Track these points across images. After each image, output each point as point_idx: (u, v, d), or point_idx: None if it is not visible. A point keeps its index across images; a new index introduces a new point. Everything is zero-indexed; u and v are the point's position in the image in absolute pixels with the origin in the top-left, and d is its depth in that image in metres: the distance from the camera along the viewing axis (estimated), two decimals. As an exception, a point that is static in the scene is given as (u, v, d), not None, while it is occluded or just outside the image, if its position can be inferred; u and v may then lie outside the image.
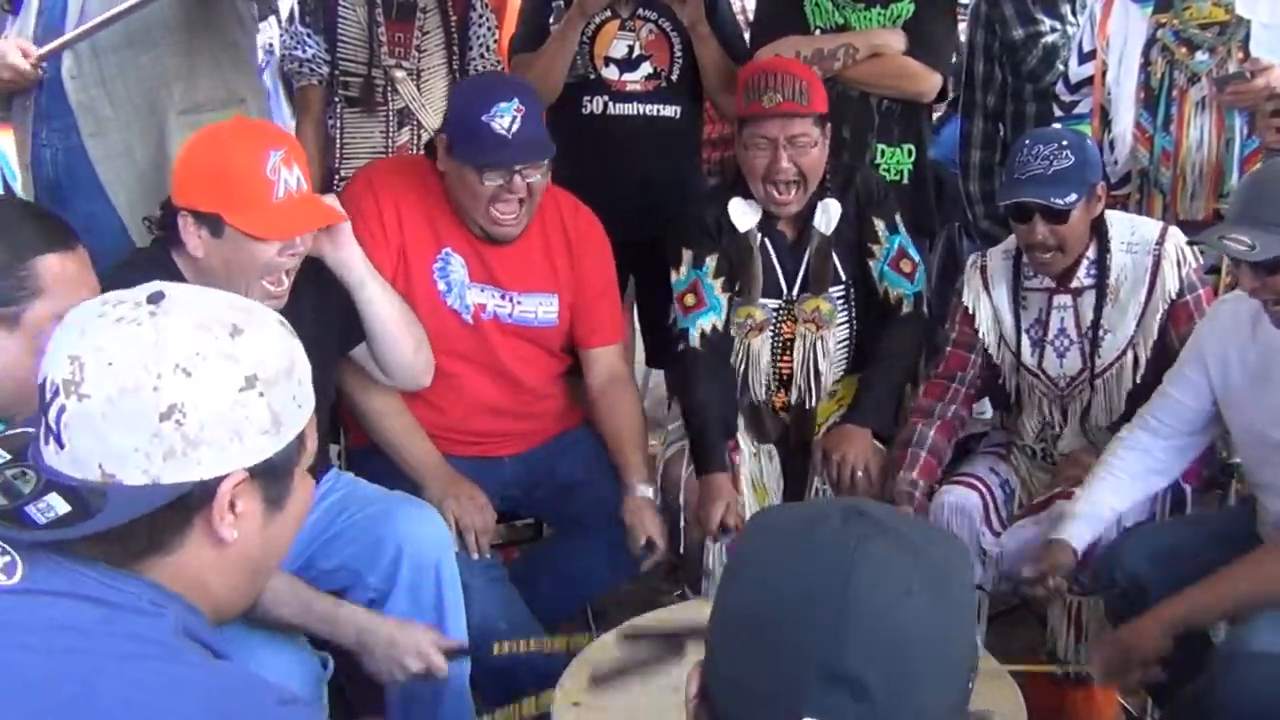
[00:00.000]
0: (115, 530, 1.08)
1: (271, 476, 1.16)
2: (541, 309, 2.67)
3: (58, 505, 1.08)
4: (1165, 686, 2.30)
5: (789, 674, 0.92)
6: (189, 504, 1.11)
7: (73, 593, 1.07)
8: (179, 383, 1.09)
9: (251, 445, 1.13)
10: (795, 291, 2.82)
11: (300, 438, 1.18)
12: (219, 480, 1.11)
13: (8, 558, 1.08)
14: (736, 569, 1.01)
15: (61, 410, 1.09)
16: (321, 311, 2.28)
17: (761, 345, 2.81)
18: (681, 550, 2.73)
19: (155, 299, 1.12)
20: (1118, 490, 2.40)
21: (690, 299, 2.79)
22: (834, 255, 2.80)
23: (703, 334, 2.77)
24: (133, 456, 1.08)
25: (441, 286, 2.59)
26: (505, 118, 2.43)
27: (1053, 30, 3.36)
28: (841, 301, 2.84)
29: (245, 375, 1.12)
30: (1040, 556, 2.38)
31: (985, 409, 3.10)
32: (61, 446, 1.09)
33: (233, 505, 1.13)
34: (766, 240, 2.80)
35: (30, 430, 1.16)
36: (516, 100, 2.45)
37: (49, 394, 1.10)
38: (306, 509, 1.25)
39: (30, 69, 2.54)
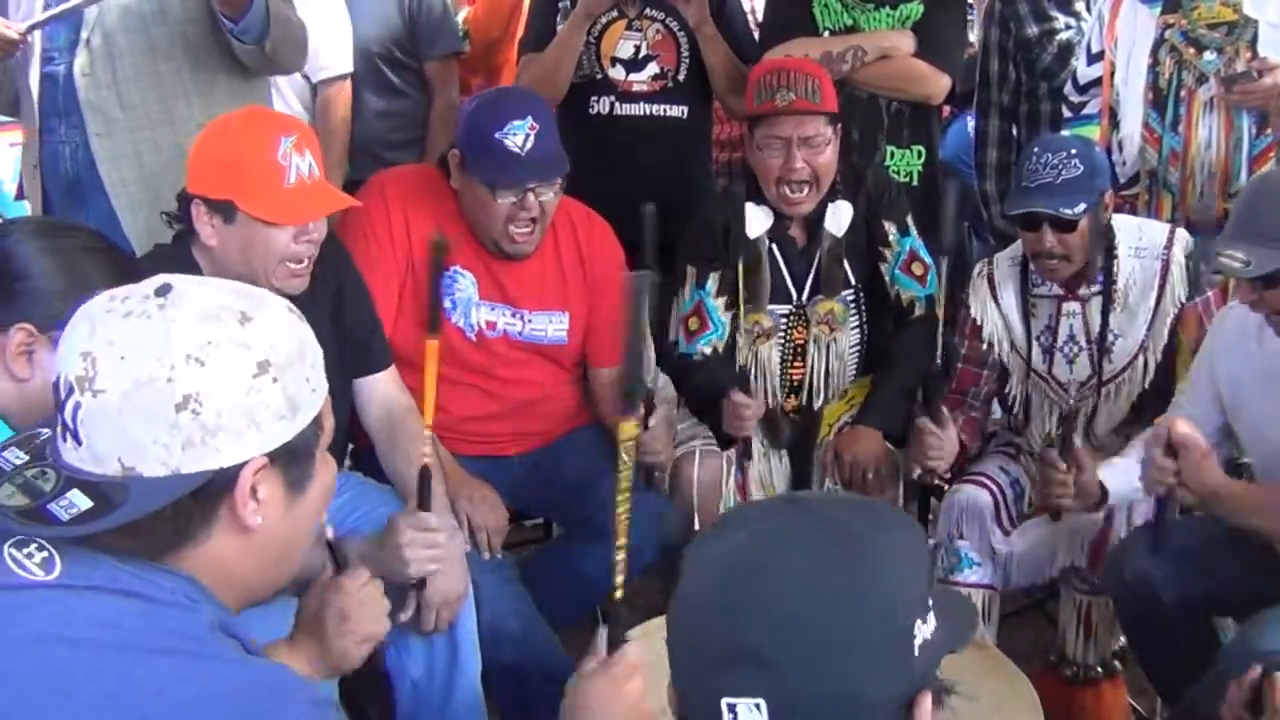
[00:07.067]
0: (141, 523, 1.09)
1: (291, 460, 1.17)
2: (552, 326, 2.67)
3: (79, 501, 1.09)
4: (1172, 687, 2.31)
5: (705, 666, 1.01)
6: (211, 492, 1.12)
7: (110, 587, 1.08)
8: (193, 372, 1.09)
9: (269, 431, 1.13)
10: (805, 296, 2.82)
11: (317, 420, 1.19)
12: (239, 467, 1.12)
13: (45, 553, 1.09)
14: (674, 599, 1.08)
15: (77, 407, 1.09)
16: (337, 327, 2.28)
17: (770, 352, 2.81)
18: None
19: (163, 291, 1.13)
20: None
21: (694, 323, 2.79)
22: (844, 258, 2.80)
23: (703, 356, 2.78)
24: (151, 448, 1.09)
25: (446, 304, 2.58)
26: (518, 135, 2.42)
27: (1067, 27, 3.32)
28: (852, 305, 2.83)
29: (258, 361, 1.13)
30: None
31: (995, 410, 3.09)
32: (80, 443, 1.10)
33: (254, 492, 1.14)
34: (775, 246, 2.79)
35: (44, 431, 1.17)
36: (530, 118, 2.44)
37: (63, 392, 1.11)
38: (330, 491, 1.26)
39: (16, 36, 2.53)
